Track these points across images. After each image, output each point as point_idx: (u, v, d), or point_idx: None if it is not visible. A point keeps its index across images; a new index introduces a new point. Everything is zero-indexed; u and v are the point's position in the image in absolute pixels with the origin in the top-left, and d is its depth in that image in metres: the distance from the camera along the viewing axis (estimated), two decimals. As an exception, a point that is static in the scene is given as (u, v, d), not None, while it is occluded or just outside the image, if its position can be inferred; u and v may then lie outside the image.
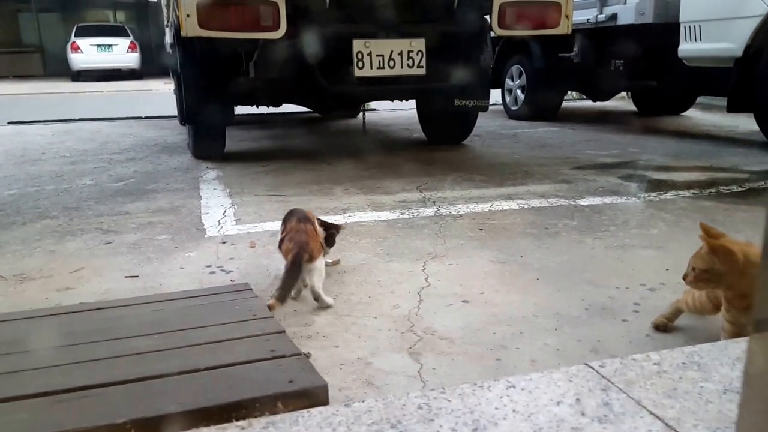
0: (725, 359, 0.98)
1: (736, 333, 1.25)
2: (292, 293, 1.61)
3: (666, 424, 0.80)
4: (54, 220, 2.54)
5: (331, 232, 1.86)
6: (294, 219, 1.73)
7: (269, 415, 0.85)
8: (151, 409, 0.93)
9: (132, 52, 16.38)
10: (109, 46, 16.12)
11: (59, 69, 17.27)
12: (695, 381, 0.91)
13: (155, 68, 15.92)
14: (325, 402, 0.97)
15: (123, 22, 19.36)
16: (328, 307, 1.63)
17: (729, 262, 1.22)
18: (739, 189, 2.95)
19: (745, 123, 5.29)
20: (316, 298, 1.63)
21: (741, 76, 4.04)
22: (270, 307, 1.47)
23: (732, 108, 4.28)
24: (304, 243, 1.63)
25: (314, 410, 0.84)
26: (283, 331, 1.24)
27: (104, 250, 2.13)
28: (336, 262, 1.96)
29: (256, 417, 0.86)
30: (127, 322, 1.32)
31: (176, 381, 1.02)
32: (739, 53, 4.02)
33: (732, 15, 4.07)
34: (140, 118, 7.06)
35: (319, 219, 1.85)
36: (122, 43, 16.26)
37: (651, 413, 0.82)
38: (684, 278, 1.30)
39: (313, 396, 0.96)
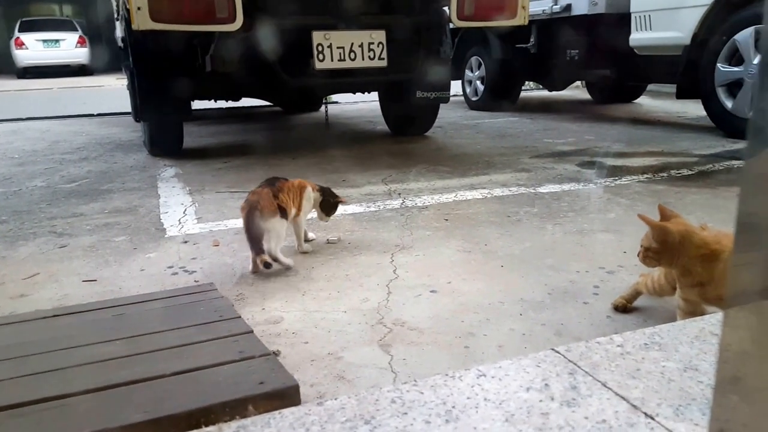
0: (684, 338, 1.01)
1: (690, 311, 1.30)
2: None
3: (631, 404, 0.82)
4: (4, 225, 2.44)
5: (327, 198, 2.03)
6: (256, 186, 1.88)
7: (240, 419, 0.84)
8: (115, 419, 0.90)
9: (81, 46, 15.76)
10: (57, 41, 15.48)
11: (3, 66, 16.50)
12: (657, 361, 0.94)
13: (106, 63, 15.45)
14: (297, 402, 0.96)
15: (70, 15, 18.62)
16: (288, 267, 1.82)
17: (664, 240, 1.27)
18: (690, 172, 3.06)
19: (694, 109, 5.48)
20: (275, 259, 1.78)
21: (689, 64, 4.19)
22: (265, 264, 1.73)
23: (681, 95, 4.43)
24: (254, 202, 1.78)
25: (286, 411, 0.83)
26: (251, 331, 1.22)
27: (59, 254, 2.05)
28: (336, 240, 2.09)
29: (226, 421, 0.84)
30: (87, 328, 1.28)
31: (141, 388, 0.99)
32: (687, 41, 4.16)
33: (679, 5, 4.21)
34: (92, 115, 6.83)
35: (318, 186, 2.04)
36: (70, 38, 15.63)
37: (617, 394, 0.84)
38: (638, 256, 1.36)
39: (285, 396, 0.95)
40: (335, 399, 0.85)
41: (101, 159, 4.01)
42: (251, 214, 1.76)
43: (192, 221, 2.42)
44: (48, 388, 1.00)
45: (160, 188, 3.06)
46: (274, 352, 1.23)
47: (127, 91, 5.22)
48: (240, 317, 1.31)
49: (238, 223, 2.35)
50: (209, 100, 4.50)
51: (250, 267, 1.81)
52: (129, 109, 5.81)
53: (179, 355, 1.11)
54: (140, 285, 1.75)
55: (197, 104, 4.42)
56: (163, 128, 3.92)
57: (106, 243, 2.17)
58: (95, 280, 1.81)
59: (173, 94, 3.56)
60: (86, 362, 1.10)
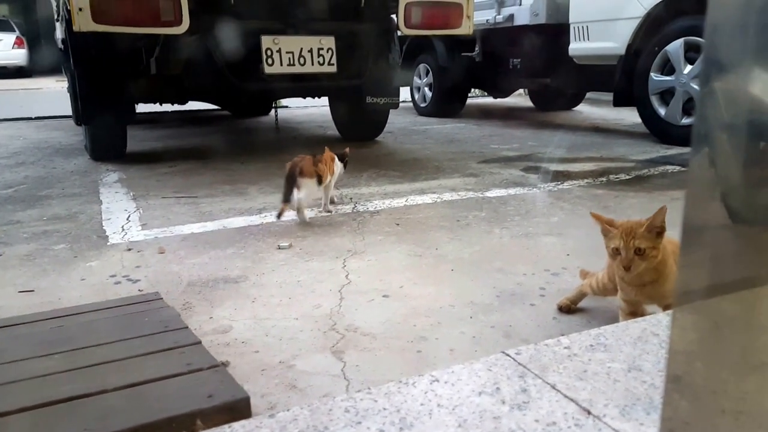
0: (627, 339, 1.05)
1: (631, 312, 1.35)
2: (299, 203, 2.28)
3: (579, 405, 0.85)
4: (-72, 234, 2.29)
5: (346, 160, 2.58)
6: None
7: (189, 434, 0.81)
8: (54, 438, 0.86)
9: (18, 47, 15.06)
10: (-8, 41, 14.74)
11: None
12: (603, 362, 0.97)
13: (46, 65, 14.76)
14: (247, 414, 0.93)
15: (7, 15, 17.73)
16: (304, 221, 2.33)
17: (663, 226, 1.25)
18: (627, 177, 3.19)
19: (630, 116, 5.74)
20: (298, 210, 2.32)
21: (624, 73, 4.39)
22: (281, 212, 2.28)
23: (617, 102, 4.64)
24: (299, 161, 2.27)
25: (236, 424, 0.81)
26: (199, 342, 1.18)
27: (-9, 265, 1.94)
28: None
29: (174, 436, 0.82)
30: (23, 342, 1.21)
31: (81, 405, 0.95)
32: (622, 51, 4.36)
33: (615, 16, 4.41)
34: (30, 118, 6.52)
35: (333, 153, 2.46)
36: (7, 39, 14.90)
37: (565, 396, 0.87)
38: (624, 266, 1.25)
39: (235, 409, 0.92)
40: (287, 410, 0.83)
41: (39, 164, 3.82)
42: (294, 168, 2.24)
43: (136, 228, 2.34)
44: (-21, 408, 0.94)
45: (102, 194, 2.94)
46: (223, 363, 1.20)
47: (68, 94, 5.01)
48: (187, 327, 1.27)
49: (185, 229, 2.31)
50: (154, 103, 4.37)
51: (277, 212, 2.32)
52: (69, 112, 5.60)
53: (122, 369, 1.06)
54: (81, 295, 1.68)
55: (142, 107, 4.29)
56: (106, 132, 3.78)
57: (44, 251, 2.06)
58: (32, 291, 1.72)
59: (116, 97, 3.45)
60: (21, 378, 1.04)
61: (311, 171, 2.26)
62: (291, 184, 2.23)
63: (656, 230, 1.24)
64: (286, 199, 2.25)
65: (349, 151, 2.63)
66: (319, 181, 2.30)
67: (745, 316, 0.56)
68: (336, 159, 2.48)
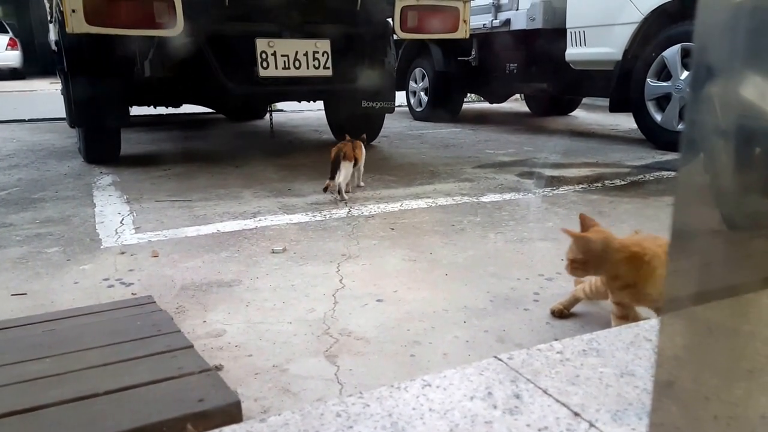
0: (620, 344, 1.05)
1: (623, 315, 1.35)
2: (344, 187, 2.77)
3: (571, 410, 0.84)
4: None
5: (366, 144, 3.07)
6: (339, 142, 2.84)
7: (179, 438, 0.81)
8: (43, 441, 0.85)
9: (12, 49, 15.02)
10: (-16, 43, 14.72)
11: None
12: (595, 367, 0.97)
13: (40, 67, 14.76)
14: (238, 419, 0.93)
15: (0, 17, 17.74)
16: (342, 200, 2.75)
17: (588, 250, 1.31)
18: (622, 183, 3.20)
19: (626, 121, 5.76)
20: (339, 191, 2.75)
21: (621, 79, 4.40)
22: (326, 186, 2.78)
23: (613, 108, 4.65)
24: (343, 145, 2.76)
25: (227, 429, 0.80)
26: (191, 346, 1.18)
27: (-17, 268, 1.93)
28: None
29: (164, 440, 0.81)
30: (15, 345, 1.20)
31: (71, 409, 0.94)
32: (619, 57, 4.38)
33: (612, 21, 4.42)
34: (24, 121, 6.50)
35: (361, 142, 2.97)
36: (0, 40, 14.87)
37: (557, 401, 0.87)
38: (566, 269, 1.39)
39: (226, 414, 0.92)
40: (278, 415, 0.83)
41: (33, 166, 3.81)
42: (339, 151, 2.71)
43: (129, 231, 2.33)
44: (-33, 412, 0.93)
45: (95, 197, 2.93)
46: (215, 367, 1.19)
47: (62, 96, 5.00)
48: (179, 331, 1.26)
49: (179, 232, 2.30)
50: (148, 106, 4.36)
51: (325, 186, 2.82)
52: (63, 114, 5.59)
53: (114, 373, 1.06)
54: (74, 298, 1.67)
55: (136, 110, 4.29)
56: (100, 134, 3.77)
57: (37, 254, 2.05)
58: (25, 294, 1.71)
59: (110, 100, 3.44)
60: (11, 382, 1.03)
61: (351, 155, 2.75)
62: (337, 165, 2.71)
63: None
64: (333, 177, 2.73)
65: (365, 136, 3.17)
66: (355, 163, 2.82)
67: (734, 322, 0.56)
68: (363, 148, 3.00)
